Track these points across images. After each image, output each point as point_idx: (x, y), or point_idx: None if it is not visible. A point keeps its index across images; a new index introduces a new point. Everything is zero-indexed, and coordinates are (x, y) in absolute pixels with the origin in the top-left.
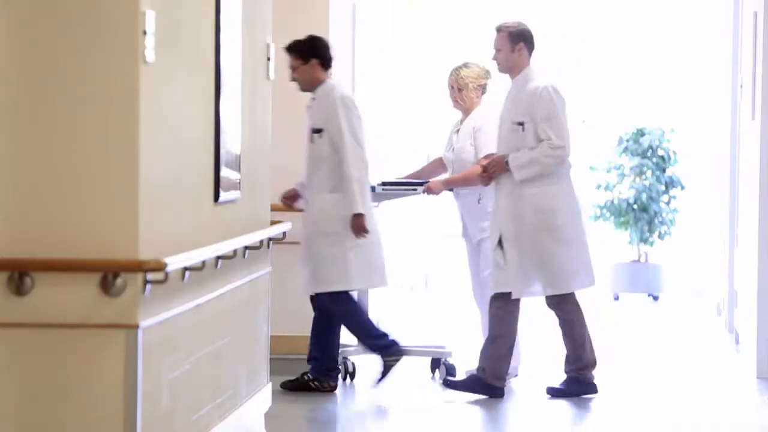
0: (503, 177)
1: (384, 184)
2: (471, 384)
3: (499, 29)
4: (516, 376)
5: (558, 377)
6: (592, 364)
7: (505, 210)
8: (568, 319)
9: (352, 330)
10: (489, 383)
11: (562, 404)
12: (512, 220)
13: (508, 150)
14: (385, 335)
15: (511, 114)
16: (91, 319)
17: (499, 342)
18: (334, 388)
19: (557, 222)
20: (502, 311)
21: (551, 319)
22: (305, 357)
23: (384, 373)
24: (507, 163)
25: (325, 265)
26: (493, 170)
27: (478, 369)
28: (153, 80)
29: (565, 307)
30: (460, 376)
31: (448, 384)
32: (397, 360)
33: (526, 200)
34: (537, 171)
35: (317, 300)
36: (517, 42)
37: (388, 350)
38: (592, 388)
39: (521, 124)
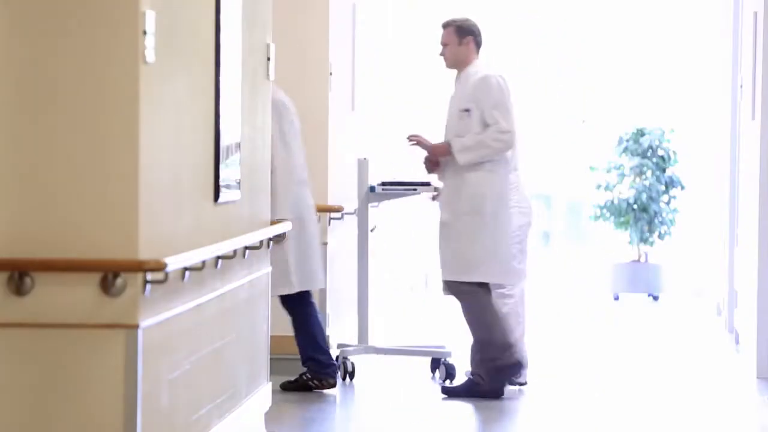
0: (447, 169)
1: (384, 184)
2: (469, 389)
3: (445, 25)
4: (525, 384)
5: (565, 377)
6: (508, 346)
7: (447, 202)
8: (471, 304)
9: (298, 331)
10: (487, 388)
11: (563, 403)
12: (451, 209)
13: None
14: (328, 354)
15: (458, 103)
16: (91, 319)
17: (484, 344)
18: (334, 384)
19: (486, 208)
20: (477, 310)
21: (552, 318)
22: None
23: (295, 384)
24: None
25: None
26: (435, 154)
27: (473, 374)
28: (153, 80)
29: (462, 295)
30: (460, 376)
31: (446, 391)
32: (319, 385)
33: (464, 186)
34: (482, 154)
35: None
36: (464, 36)
37: (319, 369)
38: (516, 368)
39: (467, 110)
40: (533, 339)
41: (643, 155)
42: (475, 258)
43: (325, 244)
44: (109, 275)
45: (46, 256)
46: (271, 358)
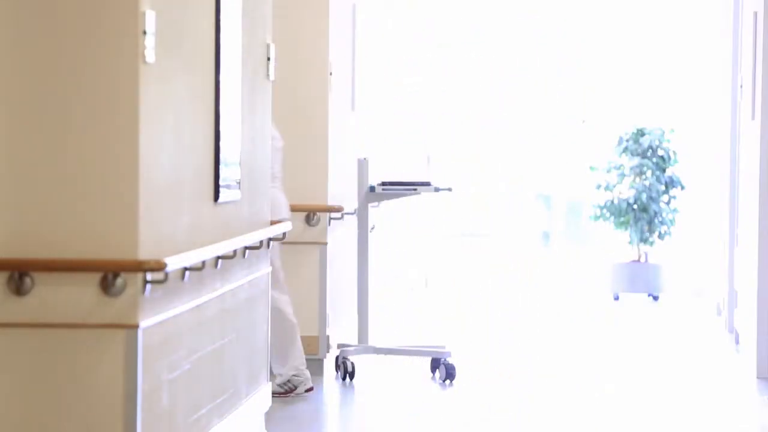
0: None
1: (384, 184)
2: None
3: None
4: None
5: (565, 377)
6: None
7: None
8: None
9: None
10: None
11: (563, 403)
12: None
13: None
14: None
15: None
16: (91, 319)
17: None
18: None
19: None
20: None
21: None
22: (305, 357)
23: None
24: None
25: None
26: None
27: None
28: (153, 80)
29: None
30: (460, 376)
31: None
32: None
33: None
34: None
35: None
36: None
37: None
38: None
39: None
40: (533, 339)
41: (643, 155)
42: None
43: (325, 244)
44: (109, 275)
45: (46, 256)
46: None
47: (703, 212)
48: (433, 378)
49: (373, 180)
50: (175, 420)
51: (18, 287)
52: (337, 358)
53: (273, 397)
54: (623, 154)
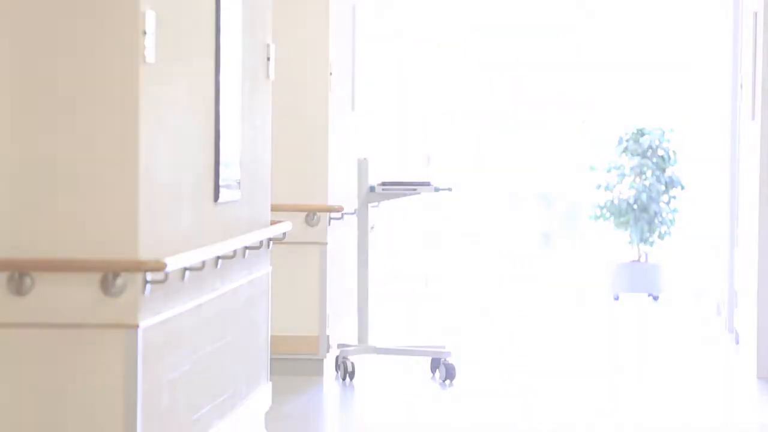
0: None
1: (384, 184)
2: None
3: None
4: None
5: (566, 377)
6: None
7: None
8: None
9: None
10: None
11: (563, 403)
12: None
13: None
14: None
15: None
16: (91, 319)
17: None
18: None
19: None
20: None
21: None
22: (305, 357)
23: None
24: None
25: None
26: None
27: None
28: (153, 80)
29: None
30: (460, 376)
31: None
32: None
33: None
34: None
35: None
36: None
37: None
38: None
39: None
40: (533, 339)
41: (643, 155)
42: None
43: (325, 244)
44: (109, 275)
45: (46, 256)
46: (271, 358)
47: (703, 212)
48: (433, 378)
49: (373, 180)
50: (175, 420)
51: (18, 287)
52: (337, 358)
53: None
54: (623, 154)
